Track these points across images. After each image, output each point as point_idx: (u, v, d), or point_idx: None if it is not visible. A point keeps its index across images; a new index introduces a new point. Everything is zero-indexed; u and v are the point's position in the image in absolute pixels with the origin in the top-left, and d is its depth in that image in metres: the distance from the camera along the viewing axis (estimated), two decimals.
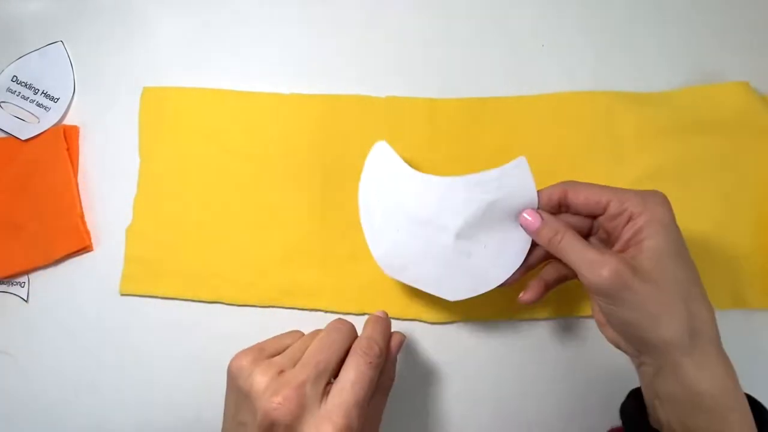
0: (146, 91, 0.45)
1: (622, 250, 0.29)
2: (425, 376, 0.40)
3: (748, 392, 0.28)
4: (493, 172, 0.33)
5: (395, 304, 0.40)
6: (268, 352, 0.30)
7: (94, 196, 0.45)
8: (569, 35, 0.43)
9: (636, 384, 0.31)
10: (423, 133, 0.42)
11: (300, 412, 0.26)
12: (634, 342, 0.29)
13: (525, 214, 0.32)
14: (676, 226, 0.29)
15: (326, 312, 0.41)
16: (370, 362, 0.29)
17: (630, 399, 0.31)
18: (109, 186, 0.45)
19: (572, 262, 0.30)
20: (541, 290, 0.34)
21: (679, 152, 0.40)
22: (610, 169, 0.40)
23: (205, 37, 0.46)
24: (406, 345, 0.39)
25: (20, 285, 0.45)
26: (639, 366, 0.30)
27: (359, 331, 0.32)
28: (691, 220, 0.39)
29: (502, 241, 0.33)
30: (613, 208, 0.29)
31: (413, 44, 0.44)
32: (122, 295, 0.43)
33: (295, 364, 0.28)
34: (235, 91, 0.44)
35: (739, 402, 0.27)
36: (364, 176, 0.37)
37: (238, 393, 0.28)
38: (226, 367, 0.30)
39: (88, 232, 0.44)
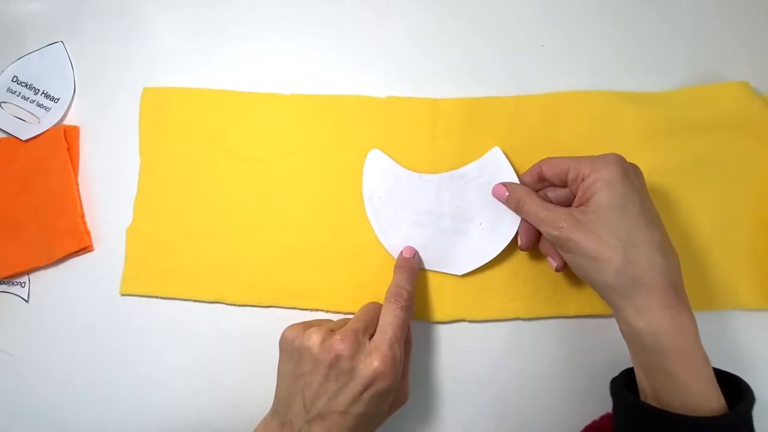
0: (146, 91, 0.45)
1: (578, 206, 0.33)
2: (426, 375, 0.40)
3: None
4: (474, 164, 0.40)
5: None
6: (313, 324, 0.35)
7: (94, 196, 0.45)
8: (569, 35, 0.43)
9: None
10: (423, 133, 0.42)
11: (357, 348, 0.31)
12: (591, 285, 0.32)
13: (493, 190, 0.38)
14: (625, 182, 0.31)
15: (326, 312, 0.41)
16: (402, 306, 0.34)
17: (621, 374, 0.34)
18: (109, 186, 0.45)
19: (534, 223, 0.35)
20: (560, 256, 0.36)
21: (679, 152, 0.40)
22: None
23: (205, 37, 0.46)
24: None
25: (20, 285, 0.45)
26: (612, 308, 0.32)
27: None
28: (690, 219, 0.39)
29: (494, 218, 0.39)
30: (572, 174, 0.33)
31: (413, 44, 0.44)
32: (122, 295, 0.43)
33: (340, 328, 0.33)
34: (235, 91, 0.44)
35: (682, 341, 0.28)
36: (365, 184, 0.41)
37: (293, 353, 0.33)
38: (279, 340, 0.34)
39: (88, 232, 0.44)
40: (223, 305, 0.42)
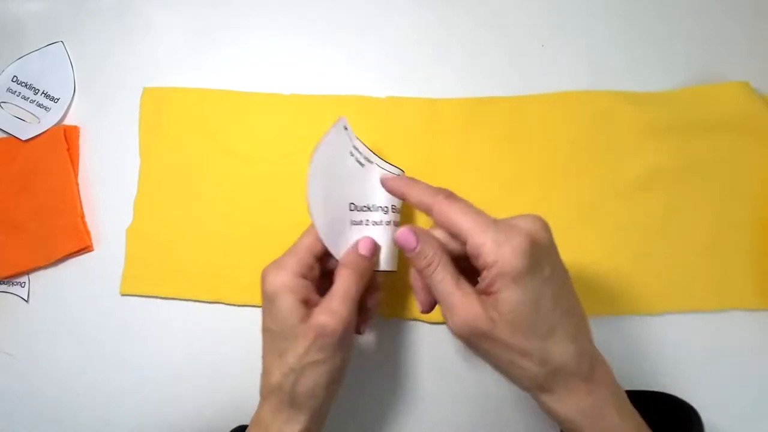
0: (146, 91, 0.45)
1: (487, 294, 0.28)
2: (422, 376, 0.40)
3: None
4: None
5: (395, 305, 0.40)
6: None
7: (94, 196, 0.45)
8: (569, 35, 0.43)
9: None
10: (423, 133, 0.42)
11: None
12: (509, 380, 0.29)
13: (398, 235, 0.30)
14: (536, 276, 0.27)
15: None
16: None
17: None
18: (109, 186, 0.45)
19: (439, 301, 0.29)
20: (430, 299, 0.32)
21: (679, 152, 0.40)
22: (610, 168, 0.40)
23: (205, 37, 0.46)
24: (406, 344, 0.39)
25: (20, 285, 0.45)
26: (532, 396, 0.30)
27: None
28: (691, 219, 0.39)
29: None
30: (470, 248, 0.28)
31: (413, 44, 0.44)
32: (122, 295, 0.43)
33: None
34: (235, 91, 0.44)
35: (601, 424, 0.27)
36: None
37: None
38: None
39: (88, 232, 0.44)
40: (223, 305, 0.42)
